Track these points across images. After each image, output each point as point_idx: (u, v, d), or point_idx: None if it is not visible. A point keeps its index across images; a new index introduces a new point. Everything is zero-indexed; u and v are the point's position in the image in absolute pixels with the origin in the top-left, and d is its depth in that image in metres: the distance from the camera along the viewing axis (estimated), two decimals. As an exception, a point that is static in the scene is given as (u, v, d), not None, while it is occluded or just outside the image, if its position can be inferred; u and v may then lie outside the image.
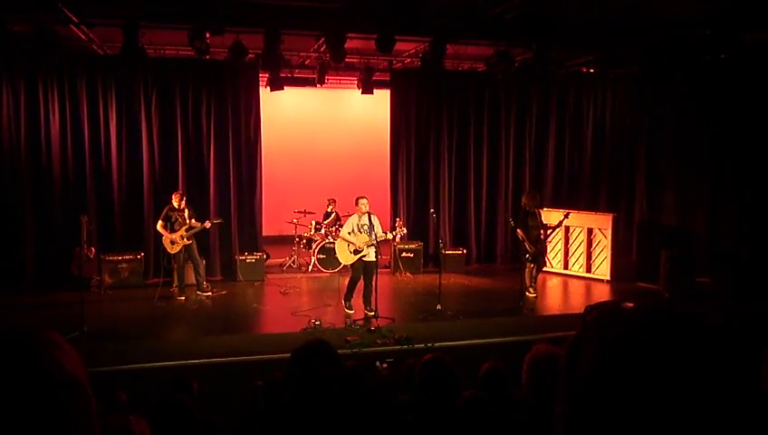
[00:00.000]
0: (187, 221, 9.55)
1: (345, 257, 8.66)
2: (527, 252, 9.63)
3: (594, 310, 0.87)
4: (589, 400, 0.79)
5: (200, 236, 10.62)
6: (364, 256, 8.49)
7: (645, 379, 0.76)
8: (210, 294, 9.89)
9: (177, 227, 9.53)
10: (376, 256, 8.52)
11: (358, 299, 8.72)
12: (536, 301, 9.85)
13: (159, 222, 9.59)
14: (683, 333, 0.79)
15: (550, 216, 10.67)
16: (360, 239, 8.44)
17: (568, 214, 9.96)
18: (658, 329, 0.80)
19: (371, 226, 8.46)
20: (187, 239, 9.59)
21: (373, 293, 8.48)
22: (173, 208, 9.56)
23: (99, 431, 0.78)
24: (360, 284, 8.66)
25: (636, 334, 0.80)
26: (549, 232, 10.03)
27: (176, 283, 9.72)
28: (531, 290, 9.91)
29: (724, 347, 0.79)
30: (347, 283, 8.82)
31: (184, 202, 9.62)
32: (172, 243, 9.52)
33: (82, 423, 0.75)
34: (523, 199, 10.00)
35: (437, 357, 3.22)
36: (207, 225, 9.79)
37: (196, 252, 9.85)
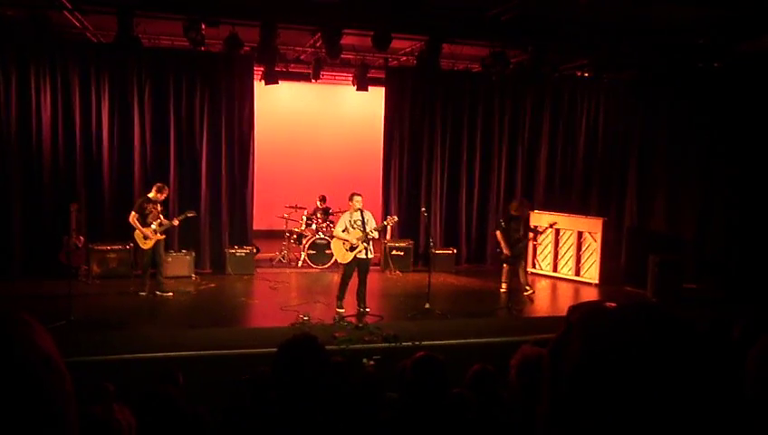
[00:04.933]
0: (160, 216, 9.12)
1: (342, 256, 8.56)
2: (502, 254, 9.81)
3: (577, 310, 0.87)
4: (572, 399, 0.80)
5: (190, 228, 10.60)
6: (359, 252, 8.47)
7: (628, 378, 0.77)
8: (171, 294, 9.28)
9: (149, 220, 9.04)
10: (367, 254, 8.51)
11: (349, 298, 8.67)
12: (533, 297, 9.99)
13: (133, 214, 9.01)
14: (666, 332, 0.80)
15: (541, 218, 10.72)
16: (354, 235, 8.44)
17: (554, 224, 10.17)
18: (641, 328, 0.80)
19: (364, 221, 8.47)
20: (160, 234, 9.16)
21: (366, 291, 8.52)
22: (149, 200, 9.11)
23: (76, 410, 0.78)
24: (353, 282, 8.62)
25: (619, 334, 0.81)
26: (532, 236, 10.18)
27: (163, 275, 9.56)
28: (528, 288, 10.06)
29: (707, 347, 0.80)
30: (339, 281, 8.74)
31: (164, 196, 9.18)
32: (145, 238, 9.05)
33: (59, 401, 0.75)
34: (514, 204, 10.07)
35: (429, 355, 3.22)
36: (175, 222, 9.34)
37: (163, 249, 9.42)
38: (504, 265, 9.94)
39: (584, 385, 0.79)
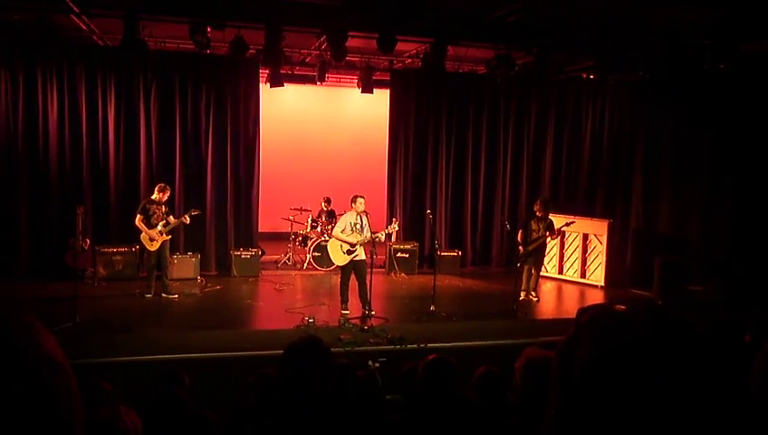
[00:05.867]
0: (165, 217, 9.11)
1: (338, 258, 8.53)
2: (519, 253, 9.73)
3: (587, 312, 0.87)
4: (582, 400, 0.80)
5: (195, 230, 10.62)
6: (356, 255, 8.44)
7: (637, 380, 0.77)
8: (176, 296, 9.28)
9: (154, 221, 9.02)
10: (372, 256, 8.48)
11: (354, 300, 8.61)
12: (536, 305, 9.88)
13: (138, 216, 9.00)
14: (674, 334, 0.80)
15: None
16: (352, 238, 8.40)
17: (570, 223, 9.98)
18: (650, 331, 0.80)
19: (362, 226, 8.42)
20: (166, 235, 9.16)
21: (368, 291, 8.42)
22: (152, 201, 9.10)
23: (81, 412, 0.78)
24: (353, 283, 8.58)
25: (628, 336, 0.81)
26: (549, 236, 9.94)
27: (169, 277, 9.54)
28: (532, 294, 9.93)
29: (715, 349, 0.80)
30: (339, 285, 8.66)
31: (167, 196, 9.18)
32: (151, 240, 9.04)
33: (64, 402, 0.76)
34: (538, 204, 9.84)
35: (442, 357, 3.21)
36: (186, 220, 9.26)
37: (168, 251, 9.38)
38: (525, 266, 9.78)
39: (593, 387, 0.79)
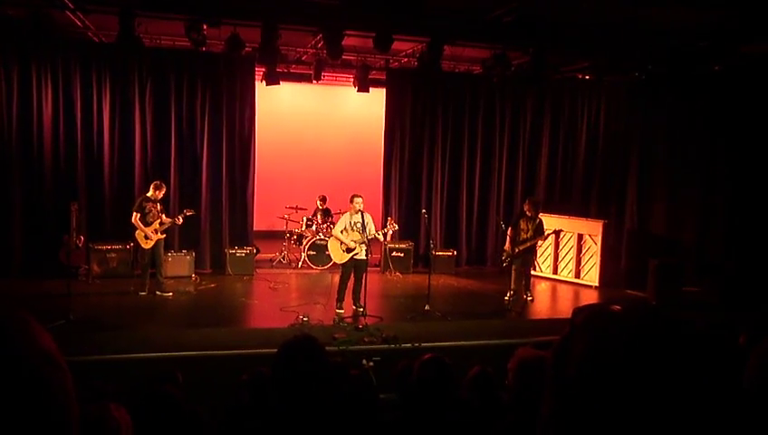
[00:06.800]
0: (160, 215, 9.12)
1: (338, 256, 8.59)
2: (504, 253, 9.69)
3: (582, 312, 0.87)
4: (577, 400, 0.80)
5: (190, 228, 10.59)
6: (356, 254, 8.47)
7: (632, 379, 0.77)
8: (170, 294, 9.30)
9: (150, 219, 9.03)
10: (366, 255, 8.52)
11: (349, 299, 8.66)
12: (530, 305, 9.84)
13: (134, 214, 9.01)
14: (669, 335, 0.80)
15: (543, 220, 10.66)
16: (352, 237, 8.43)
17: (558, 232, 9.99)
18: (646, 331, 0.80)
19: (364, 224, 8.45)
20: (161, 233, 9.18)
21: (362, 290, 8.49)
22: (147, 199, 9.10)
23: (77, 407, 0.78)
24: (351, 282, 8.63)
25: (624, 336, 0.81)
26: (539, 239, 9.88)
27: (163, 275, 9.53)
28: (528, 294, 9.89)
29: (709, 349, 0.80)
30: (338, 283, 8.71)
31: (162, 193, 9.19)
32: (146, 238, 9.05)
33: (61, 398, 0.75)
34: (528, 204, 9.79)
35: (437, 357, 3.20)
36: (178, 220, 9.32)
37: (162, 249, 9.40)
38: (513, 266, 9.68)
39: (588, 386, 0.79)
